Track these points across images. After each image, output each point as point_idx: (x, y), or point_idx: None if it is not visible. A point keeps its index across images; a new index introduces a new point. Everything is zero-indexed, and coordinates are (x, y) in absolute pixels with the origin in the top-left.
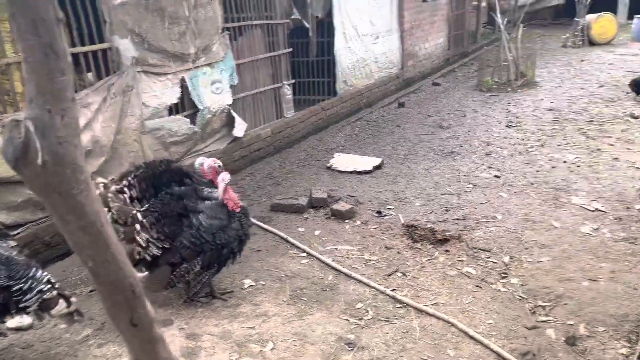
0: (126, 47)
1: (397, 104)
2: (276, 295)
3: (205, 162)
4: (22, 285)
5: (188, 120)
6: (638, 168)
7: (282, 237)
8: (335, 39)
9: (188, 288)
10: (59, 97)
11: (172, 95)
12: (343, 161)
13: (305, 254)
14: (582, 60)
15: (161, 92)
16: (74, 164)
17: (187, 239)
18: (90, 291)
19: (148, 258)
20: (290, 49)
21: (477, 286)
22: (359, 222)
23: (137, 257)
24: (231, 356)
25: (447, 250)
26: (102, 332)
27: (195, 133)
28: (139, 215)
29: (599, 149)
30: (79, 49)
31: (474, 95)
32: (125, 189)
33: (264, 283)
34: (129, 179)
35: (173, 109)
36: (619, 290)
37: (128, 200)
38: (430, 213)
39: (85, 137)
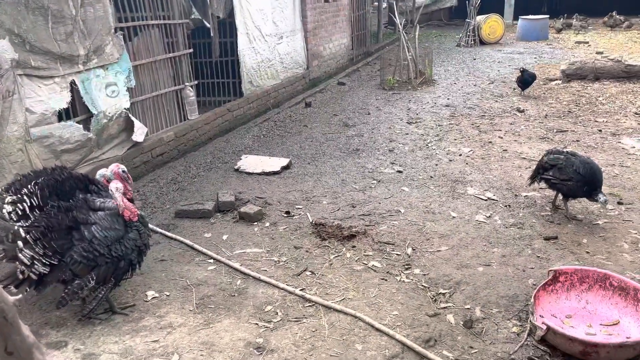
0: (4, 49)
1: (304, 104)
2: (182, 305)
3: (107, 172)
4: None
5: (81, 126)
6: (524, 158)
7: (187, 245)
8: (238, 40)
9: (83, 305)
10: None
11: (61, 100)
12: (251, 163)
13: (212, 260)
14: (474, 59)
15: (48, 96)
16: None
17: (79, 253)
18: None
19: (34, 277)
20: (191, 50)
21: (382, 279)
22: (267, 224)
23: (21, 276)
24: None
25: (353, 246)
26: None
27: (90, 140)
28: (22, 231)
29: (490, 142)
30: None
31: (377, 94)
32: (25, 198)
33: (168, 294)
34: (29, 186)
35: (63, 115)
36: (510, 273)
37: (27, 210)
38: (338, 210)
39: None
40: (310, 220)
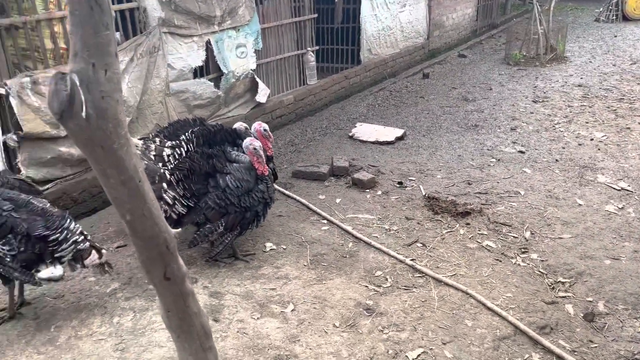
0: (153, 7)
1: (421, 75)
2: (297, 259)
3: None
4: (58, 235)
5: (212, 84)
6: None
7: (303, 204)
8: (361, 6)
9: (211, 248)
10: (102, 52)
11: (198, 58)
12: (365, 131)
13: (325, 221)
14: (615, 36)
15: (187, 54)
16: (116, 119)
17: (212, 200)
18: (117, 247)
19: (174, 216)
20: (316, 15)
21: (496, 260)
22: (379, 192)
23: (164, 215)
24: (253, 315)
25: (467, 224)
26: (130, 287)
27: (219, 97)
28: (167, 174)
29: (628, 128)
30: None
31: (500, 69)
32: (183, 144)
33: (285, 247)
34: (187, 134)
35: (198, 72)
36: None
37: (184, 154)
38: (452, 186)
39: None
40: (423, 193)
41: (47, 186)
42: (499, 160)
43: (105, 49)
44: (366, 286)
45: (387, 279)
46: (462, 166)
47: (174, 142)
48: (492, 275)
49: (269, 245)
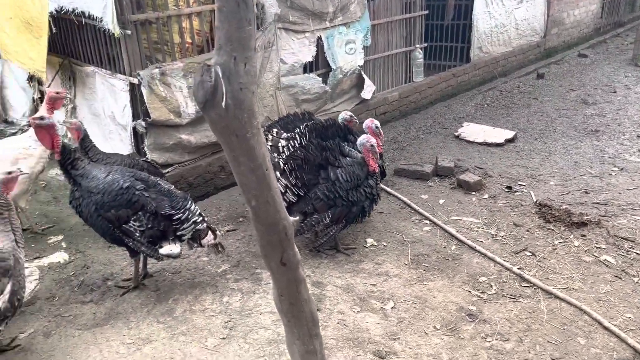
0: (270, 4)
1: (535, 75)
2: (397, 257)
3: (364, 123)
4: (180, 215)
5: (320, 79)
6: None
7: (405, 202)
8: (475, 2)
9: (315, 238)
10: (244, 46)
11: (308, 54)
12: (472, 131)
13: (428, 222)
14: None
15: (298, 49)
16: (251, 110)
17: (322, 191)
18: (227, 231)
19: (284, 204)
20: (427, 12)
21: (616, 276)
22: (486, 196)
23: None
24: (353, 308)
25: (583, 235)
26: (238, 269)
27: (326, 92)
28: (281, 163)
29: None
30: None
31: (627, 70)
32: (297, 137)
33: (385, 244)
34: (301, 127)
35: (307, 67)
36: None
37: (297, 146)
38: (567, 194)
39: None
40: (534, 200)
41: (167, 170)
42: (622, 169)
43: (247, 43)
44: (469, 291)
45: (491, 286)
46: (579, 174)
47: (289, 135)
48: (610, 293)
49: (369, 241)
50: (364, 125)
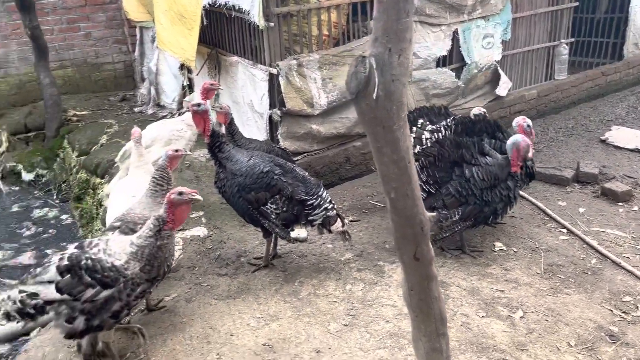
0: None
1: None
2: (528, 265)
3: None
4: (313, 201)
5: (453, 74)
6: None
7: (539, 208)
8: None
9: (439, 232)
10: (400, 37)
11: (443, 48)
12: (622, 136)
13: (565, 230)
14: None
15: (432, 43)
16: (400, 101)
17: (454, 187)
18: (351, 221)
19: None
20: (577, 3)
21: None
22: (636, 208)
23: None
24: (478, 313)
25: None
26: (361, 259)
27: (458, 87)
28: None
29: None
30: None
31: None
32: (442, 129)
33: (516, 250)
34: (447, 121)
35: (440, 61)
36: None
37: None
38: None
39: None
40: None
41: (297, 157)
42: None
43: (403, 35)
44: (611, 310)
45: (637, 307)
46: None
47: (434, 127)
48: None
49: (498, 245)
50: (514, 123)
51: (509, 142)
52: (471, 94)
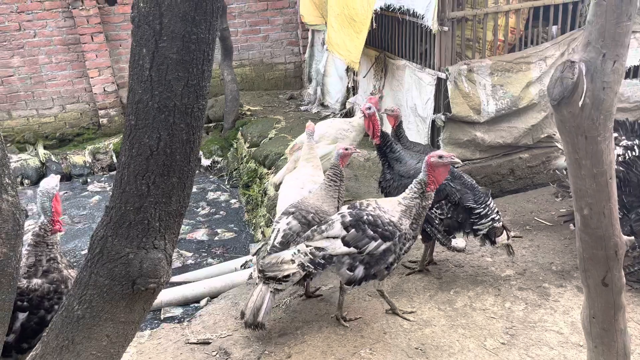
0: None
1: None
2: None
3: None
4: (481, 210)
5: None
6: None
7: None
8: None
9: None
10: (617, 42)
11: (635, 57)
12: None
13: None
14: None
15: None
16: (609, 111)
17: None
18: (513, 236)
19: None
20: None
21: None
22: None
23: None
24: None
25: None
26: (523, 278)
27: None
28: None
29: None
30: (551, 0)
31: None
32: (636, 148)
33: None
34: (636, 142)
35: (631, 72)
36: None
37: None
38: None
39: (534, 89)
40: None
41: (457, 165)
42: None
43: (621, 39)
44: None
45: None
46: None
47: (629, 143)
48: None
49: None
50: None
51: None
52: None
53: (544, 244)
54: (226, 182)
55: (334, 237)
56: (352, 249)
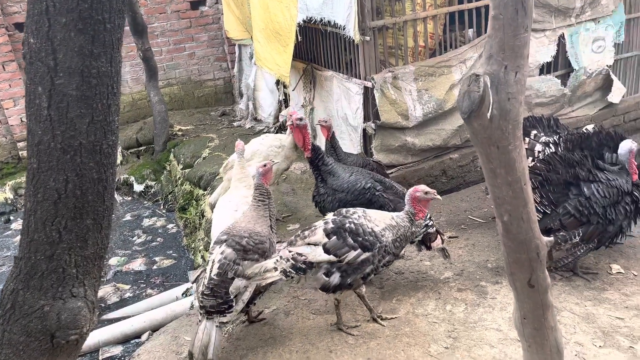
0: None
1: None
2: None
3: (622, 146)
4: None
5: (559, 81)
6: None
7: None
8: None
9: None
10: (517, 54)
11: (547, 54)
12: None
13: None
14: None
15: (535, 49)
16: (516, 120)
17: (574, 206)
18: (449, 237)
19: None
20: None
21: None
22: None
23: None
24: (594, 342)
25: None
26: (461, 279)
27: (564, 95)
28: None
29: None
30: (465, 5)
31: None
32: (551, 145)
33: (636, 274)
34: (555, 138)
35: (544, 68)
36: None
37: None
38: None
39: (457, 91)
40: None
41: (391, 170)
42: None
43: (520, 51)
44: None
45: None
46: None
47: (547, 139)
48: None
49: (615, 267)
50: (621, 149)
51: (622, 149)
52: (579, 102)
53: (479, 242)
54: (162, 207)
55: (315, 244)
56: (331, 257)
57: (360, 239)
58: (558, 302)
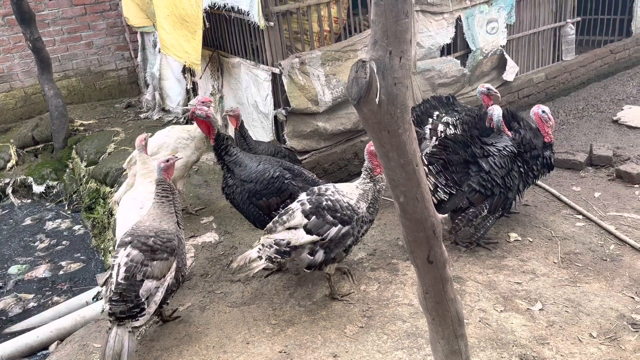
0: None
1: None
2: (545, 255)
3: (531, 111)
4: None
5: (458, 62)
6: None
7: (553, 195)
8: None
9: (474, 232)
10: (400, 39)
11: (446, 36)
12: (635, 115)
13: (580, 217)
14: None
15: (436, 32)
16: (404, 105)
17: (477, 182)
18: None
19: (435, 201)
20: None
21: None
22: None
23: None
24: (496, 307)
25: None
26: (374, 258)
27: (464, 75)
28: (425, 160)
29: None
30: None
31: None
32: (450, 126)
33: (531, 240)
34: (454, 119)
35: (444, 50)
36: None
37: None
38: None
39: None
40: None
41: (304, 156)
42: None
43: (403, 36)
44: (632, 297)
45: None
46: None
47: (449, 119)
48: None
49: (513, 235)
50: (531, 112)
51: (495, 115)
52: (478, 81)
53: (390, 221)
54: (66, 208)
55: (295, 227)
56: (314, 237)
57: (339, 214)
58: (463, 272)
